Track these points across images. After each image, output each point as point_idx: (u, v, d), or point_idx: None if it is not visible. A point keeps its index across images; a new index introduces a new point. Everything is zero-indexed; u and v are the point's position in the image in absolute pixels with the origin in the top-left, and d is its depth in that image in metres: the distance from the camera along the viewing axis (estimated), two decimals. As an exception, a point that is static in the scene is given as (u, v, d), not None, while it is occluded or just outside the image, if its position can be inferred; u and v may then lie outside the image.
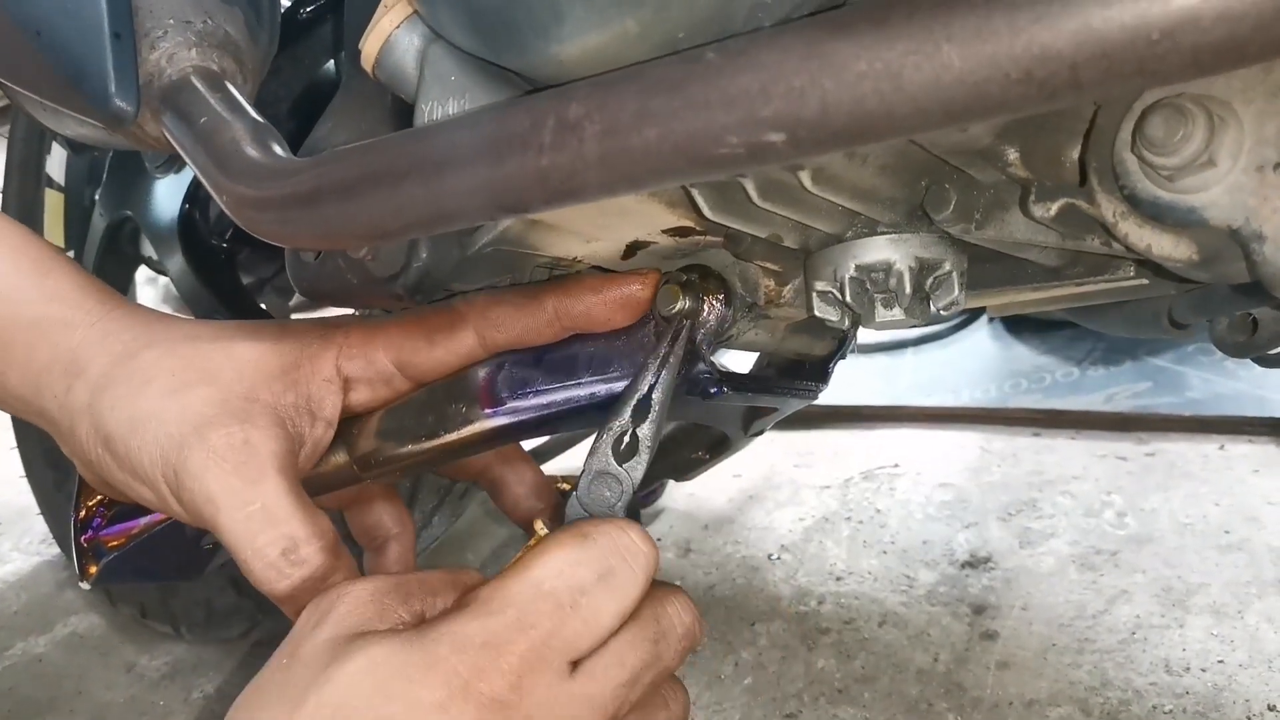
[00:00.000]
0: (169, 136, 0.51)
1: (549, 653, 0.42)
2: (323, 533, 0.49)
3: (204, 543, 0.68)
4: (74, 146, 1.26)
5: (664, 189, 0.45)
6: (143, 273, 1.37)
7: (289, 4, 0.93)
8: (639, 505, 0.49)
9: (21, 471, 1.44)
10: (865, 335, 0.76)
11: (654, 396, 0.49)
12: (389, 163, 0.38)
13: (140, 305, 0.57)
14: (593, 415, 0.53)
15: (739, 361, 0.72)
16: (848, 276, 0.49)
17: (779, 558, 1.34)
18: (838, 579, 1.27)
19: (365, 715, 0.40)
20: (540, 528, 0.47)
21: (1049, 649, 1.07)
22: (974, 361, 1.92)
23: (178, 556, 0.68)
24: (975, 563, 1.26)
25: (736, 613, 1.23)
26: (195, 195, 1.13)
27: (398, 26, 0.44)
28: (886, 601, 1.20)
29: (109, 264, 1.26)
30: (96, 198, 1.26)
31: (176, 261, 1.13)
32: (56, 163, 1.31)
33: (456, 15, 0.40)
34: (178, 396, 0.50)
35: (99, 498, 0.63)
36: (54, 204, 1.31)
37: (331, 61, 0.93)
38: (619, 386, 0.52)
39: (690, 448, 0.74)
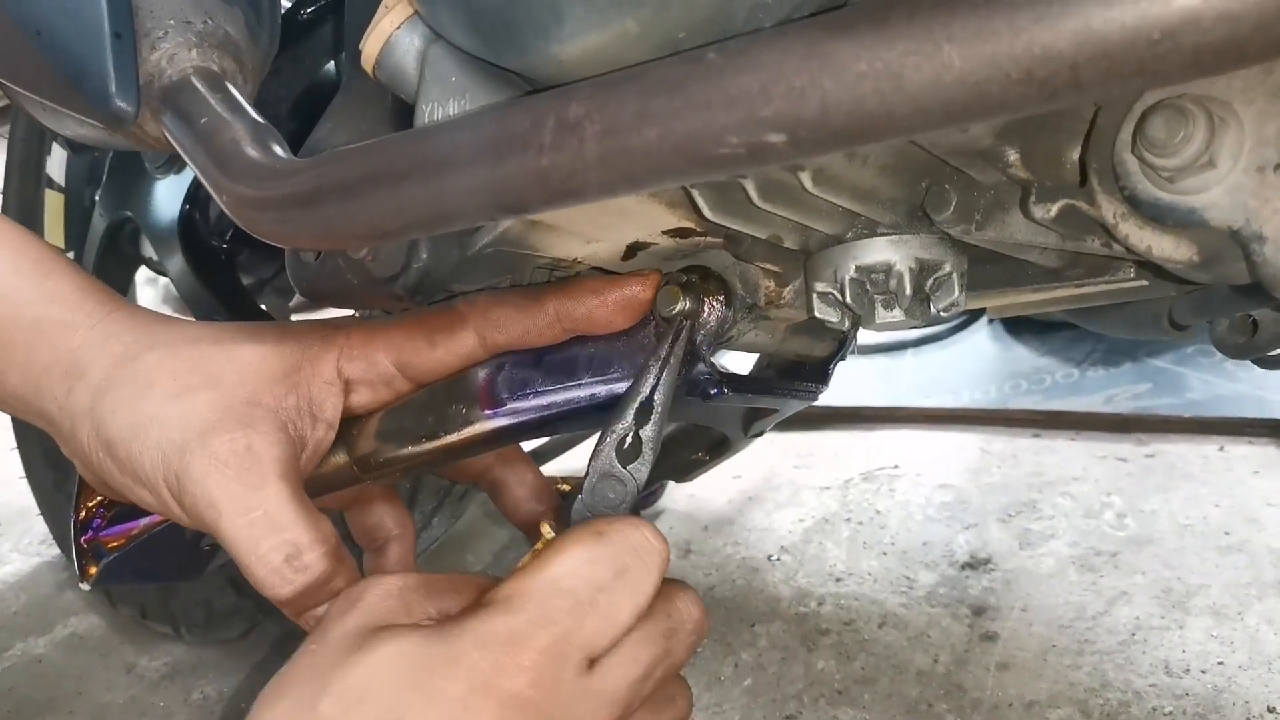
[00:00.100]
0: (169, 137, 0.51)
1: (568, 649, 0.42)
2: (325, 538, 0.49)
3: (203, 544, 0.68)
4: (74, 147, 1.26)
5: (664, 189, 0.45)
6: (143, 273, 1.37)
7: (289, 4, 0.93)
8: (639, 506, 0.50)
9: (21, 472, 1.44)
10: (865, 336, 0.76)
11: (656, 398, 0.49)
12: (389, 163, 0.38)
13: (141, 307, 0.57)
14: (593, 416, 0.53)
15: (739, 363, 0.72)
16: (848, 277, 0.49)
17: (779, 559, 1.34)
18: (837, 580, 1.27)
19: (388, 702, 0.40)
20: (548, 530, 0.48)
21: (1049, 650, 1.07)
22: (974, 363, 1.92)
23: (177, 557, 0.68)
24: (975, 564, 1.26)
25: (736, 614, 1.22)
26: (195, 196, 1.13)
27: (398, 27, 0.44)
28: (886, 603, 1.20)
29: (109, 265, 1.26)
30: (96, 198, 1.26)
31: (176, 262, 1.13)
32: (56, 163, 1.31)
33: (457, 16, 0.40)
34: (180, 401, 0.50)
35: (99, 499, 0.63)
36: (54, 204, 1.31)
37: (332, 62, 0.93)
38: (619, 388, 0.52)
39: (690, 449, 0.74)
